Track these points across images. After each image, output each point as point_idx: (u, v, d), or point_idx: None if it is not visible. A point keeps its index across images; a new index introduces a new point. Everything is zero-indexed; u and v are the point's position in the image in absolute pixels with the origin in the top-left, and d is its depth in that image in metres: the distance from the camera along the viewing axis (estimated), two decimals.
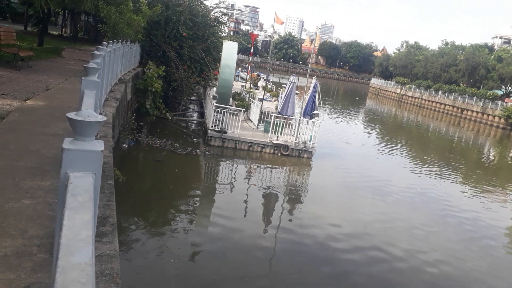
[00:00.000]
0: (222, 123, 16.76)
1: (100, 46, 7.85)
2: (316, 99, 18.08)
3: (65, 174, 1.61)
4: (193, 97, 27.39)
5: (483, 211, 14.68)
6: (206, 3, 22.26)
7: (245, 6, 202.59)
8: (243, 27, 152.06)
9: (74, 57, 19.89)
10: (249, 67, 30.28)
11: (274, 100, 28.35)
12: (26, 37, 22.96)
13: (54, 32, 37.43)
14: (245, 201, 12.17)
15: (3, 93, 8.31)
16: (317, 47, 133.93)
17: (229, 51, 19.80)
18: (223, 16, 23.57)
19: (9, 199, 3.61)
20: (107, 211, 3.57)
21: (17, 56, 12.77)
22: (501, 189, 19.39)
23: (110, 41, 10.85)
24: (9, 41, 14.14)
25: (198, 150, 15.76)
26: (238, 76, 38.16)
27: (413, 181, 17.49)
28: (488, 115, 52.81)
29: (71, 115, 1.65)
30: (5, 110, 6.81)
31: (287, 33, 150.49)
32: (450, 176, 19.78)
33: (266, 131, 17.97)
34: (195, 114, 24.81)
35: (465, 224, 13.02)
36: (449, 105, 61.38)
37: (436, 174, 19.69)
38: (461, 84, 66.96)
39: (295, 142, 17.20)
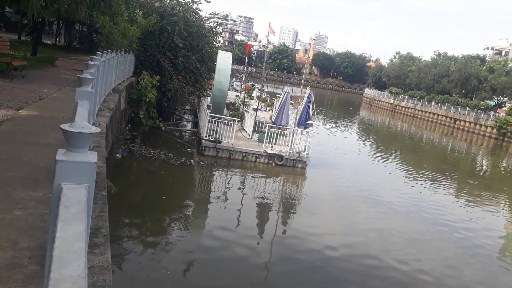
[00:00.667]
0: (216, 133, 16.76)
1: (94, 56, 7.86)
2: (310, 109, 18.16)
3: (58, 186, 1.60)
4: (187, 107, 27.40)
5: (476, 221, 14.74)
6: (200, 13, 22.38)
7: (240, 16, 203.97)
8: (238, 37, 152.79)
9: (68, 66, 19.87)
10: (244, 77, 30.37)
11: (269, 110, 28.44)
12: (19, 47, 22.93)
13: (48, 42, 37.44)
14: (239, 212, 12.13)
15: None
16: (311, 58, 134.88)
17: (224, 61, 19.89)
18: (218, 27, 23.71)
19: (0, 210, 3.57)
20: (99, 222, 3.54)
21: (10, 65, 12.73)
22: (494, 198, 19.50)
23: (104, 50, 10.87)
24: (3, 50, 14.13)
25: (192, 160, 15.71)
26: (233, 86, 38.28)
27: (407, 191, 17.55)
28: (481, 125, 53.30)
29: (65, 126, 1.65)
30: None
31: (282, 43, 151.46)
32: (444, 186, 19.87)
33: (260, 141, 17.99)
34: (189, 124, 24.80)
35: (459, 234, 13.04)
36: (442, 115, 61.88)
37: (430, 184, 19.77)
38: (453, 95, 67.60)
39: (290, 152, 17.22)
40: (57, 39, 40.53)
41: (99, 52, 9.16)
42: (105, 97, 10.18)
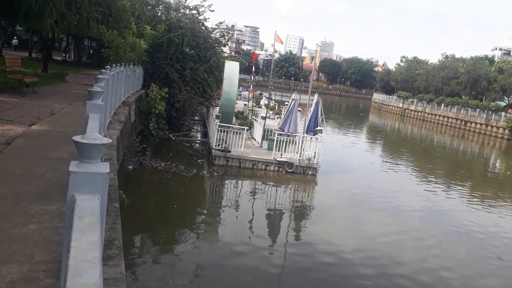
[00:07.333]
0: (225, 142, 16.79)
1: (103, 70, 7.97)
2: (319, 115, 18.12)
3: (72, 197, 1.62)
4: (196, 117, 27.53)
5: (493, 226, 14.46)
6: (206, 24, 22.57)
7: (246, 26, 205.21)
8: (244, 47, 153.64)
9: (78, 81, 20.16)
10: (251, 86, 30.47)
11: (277, 118, 28.45)
12: (30, 64, 23.33)
13: (58, 58, 38.03)
14: (251, 221, 12.09)
15: (9, 119, 8.41)
16: (317, 64, 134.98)
17: (231, 70, 19.98)
18: (224, 37, 23.88)
19: (16, 225, 3.62)
20: (112, 233, 3.56)
21: (22, 82, 12.96)
22: (510, 200, 19.18)
23: (113, 64, 11.00)
24: (14, 67, 14.40)
25: (205, 172, 15.66)
26: (241, 95, 38.40)
27: (421, 197, 17.30)
28: (492, 126, 52.70)
29: (77, 138, 1.68)
30: (10, 136, 6.88)
31: (288, 51, 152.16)
32: (458, 190, 19.61)
33: (269, 148, 17.97)
34: (199, 134, 24.91)
35: (477, 240, 12.82)
36: (452, 118, 61.32)
37: (444, 188, 19.53)
38: (463, 97, 67.06)
39: (299, 159, 17.17)
40: (67, 55, 41.15)
41: (108, 66, 9.28)
42: (115, 110, 10.29)
